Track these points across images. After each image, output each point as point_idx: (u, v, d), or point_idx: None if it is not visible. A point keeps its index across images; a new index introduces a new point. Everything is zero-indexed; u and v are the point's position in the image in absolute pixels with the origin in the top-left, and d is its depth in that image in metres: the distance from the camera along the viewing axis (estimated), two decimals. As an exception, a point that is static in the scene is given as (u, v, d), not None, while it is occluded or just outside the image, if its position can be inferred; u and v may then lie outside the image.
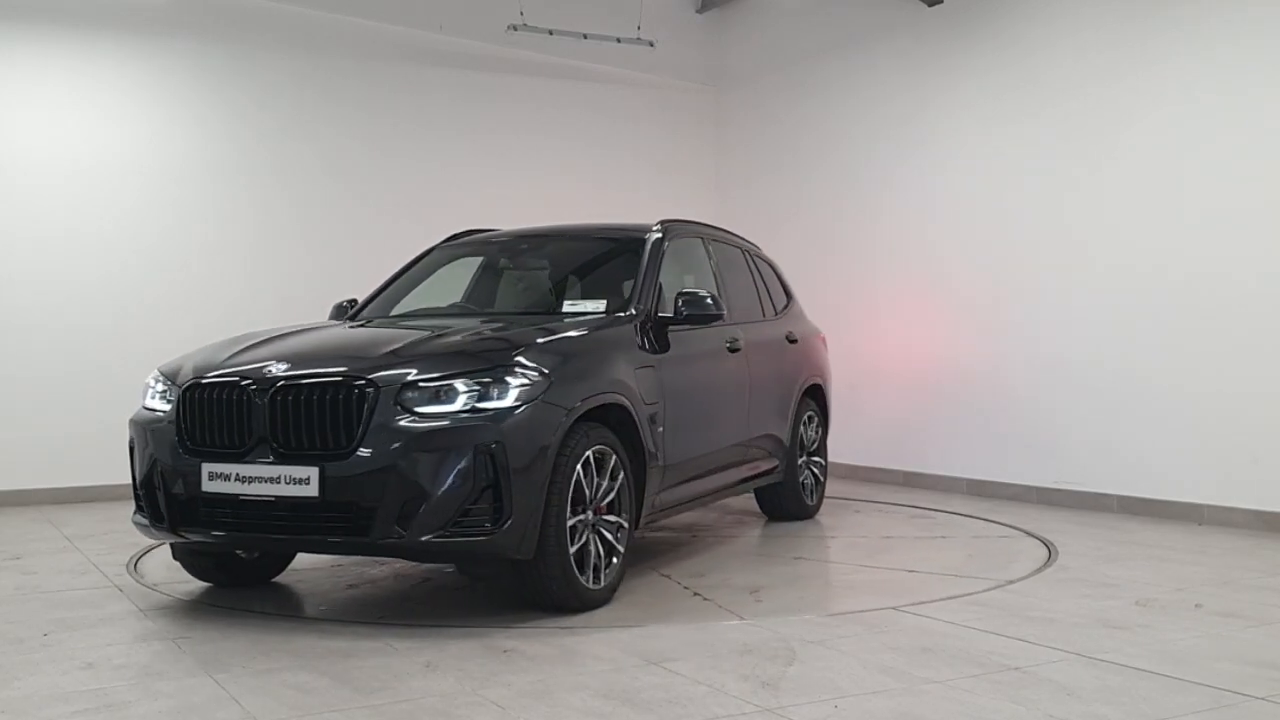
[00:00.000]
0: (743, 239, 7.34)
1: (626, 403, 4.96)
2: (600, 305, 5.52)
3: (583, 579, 4.65)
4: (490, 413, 4.37)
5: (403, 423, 4.33)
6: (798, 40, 10.10)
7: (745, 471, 6.42)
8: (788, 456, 6.93)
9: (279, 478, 4.38)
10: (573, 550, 4.57)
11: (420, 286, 6.39)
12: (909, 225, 9.00)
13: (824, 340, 7.76)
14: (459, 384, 4.42)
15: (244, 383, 4.57)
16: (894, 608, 4.78)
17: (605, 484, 4.81)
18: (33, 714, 3.46)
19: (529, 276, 6.43)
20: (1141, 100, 7.34)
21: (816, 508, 7.39)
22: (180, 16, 8.75)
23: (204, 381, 4.68)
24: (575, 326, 5.12)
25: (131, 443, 4.98)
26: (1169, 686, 3.66)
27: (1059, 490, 7.82)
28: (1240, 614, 4.65)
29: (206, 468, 4.51)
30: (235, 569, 5.33)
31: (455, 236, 6.79)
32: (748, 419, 6.32)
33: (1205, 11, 7.01)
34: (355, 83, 9.37)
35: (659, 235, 5.99)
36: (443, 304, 6.20)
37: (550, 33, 9.45)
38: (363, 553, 4.72)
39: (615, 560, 4.88)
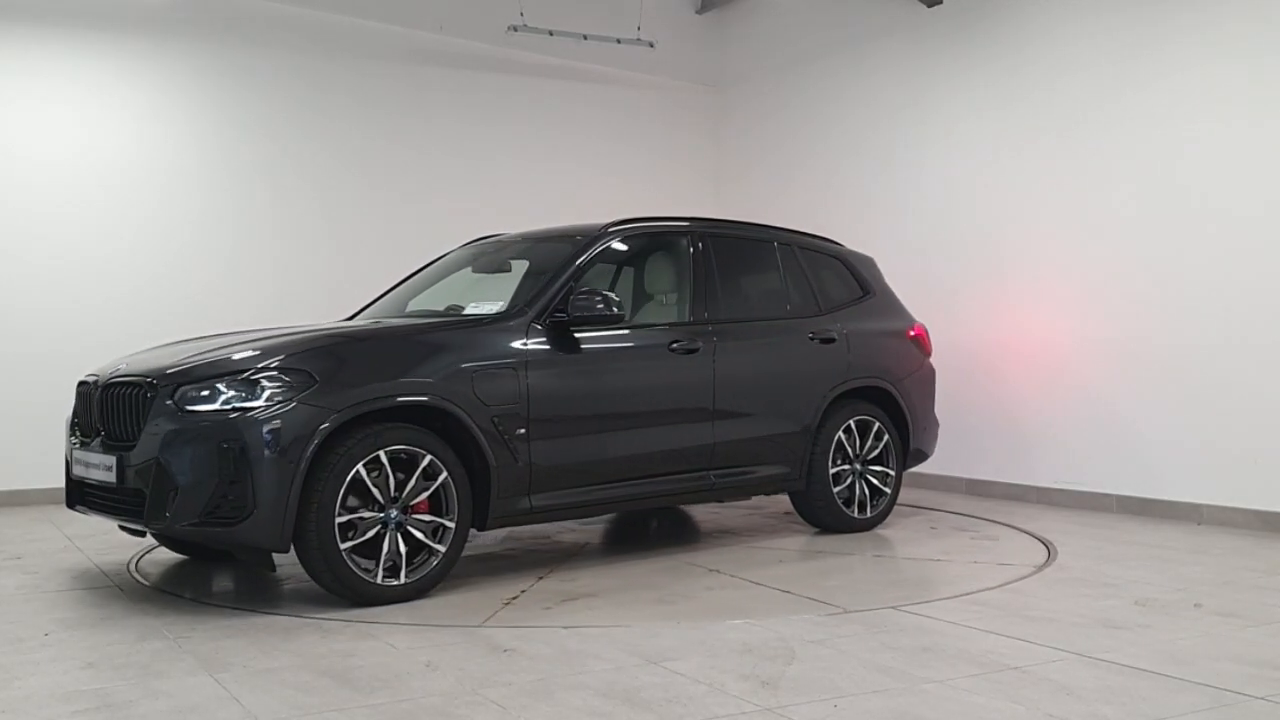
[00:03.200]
0: (789, 232, 7.02)
1: (447, 404, 5.00)
2: (497, 306, 5.62)
3: (366, 574, 4.80)
4: (240, 412, 4.68)
5: (170, 419, 4.76)
6: (797, 40, 10.11)
7: (716, 477, 6.09)
8: (812, 463, 6.48)
9: (99, 465, 5.03)
10: (346, 546, 4.73)
11: (434, 287, 6.44)
12: (906, 224, 9.00)
13: (915, 337, 7.19)
14: (221, 385, 4.77)
15: (92, 380, 5.32)
16: (894, 607, 4.78)
17: (417, 484, 4.92)
18: (33, 713, 3.46)
19: (497, 278, 6.44)
20: (1143, 97, 7.35)
21: (873, 521, 6.75)
22: (179, 18, 8.75)
23: (82, 379, 5.49)
24: (416, 329, 5.34)
25: None
26: (1169, 686, 3.66)
27: (1059, 490, 7.82)
28: (1240, 614, 4.66)
29: (75, 454, 5.30)
30: (193, 543, 5.79)
31: (488, 239, 6.90)
32: (713, 422, 6.03)
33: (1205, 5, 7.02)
34: (355, 83, 9.37)
35: (593, 237, 5.94)
36: (440, 306, 6.21)
37: (550, 33, 9.46)
38: (150, 532, 5.05)
39: (430, 559, 4.97)
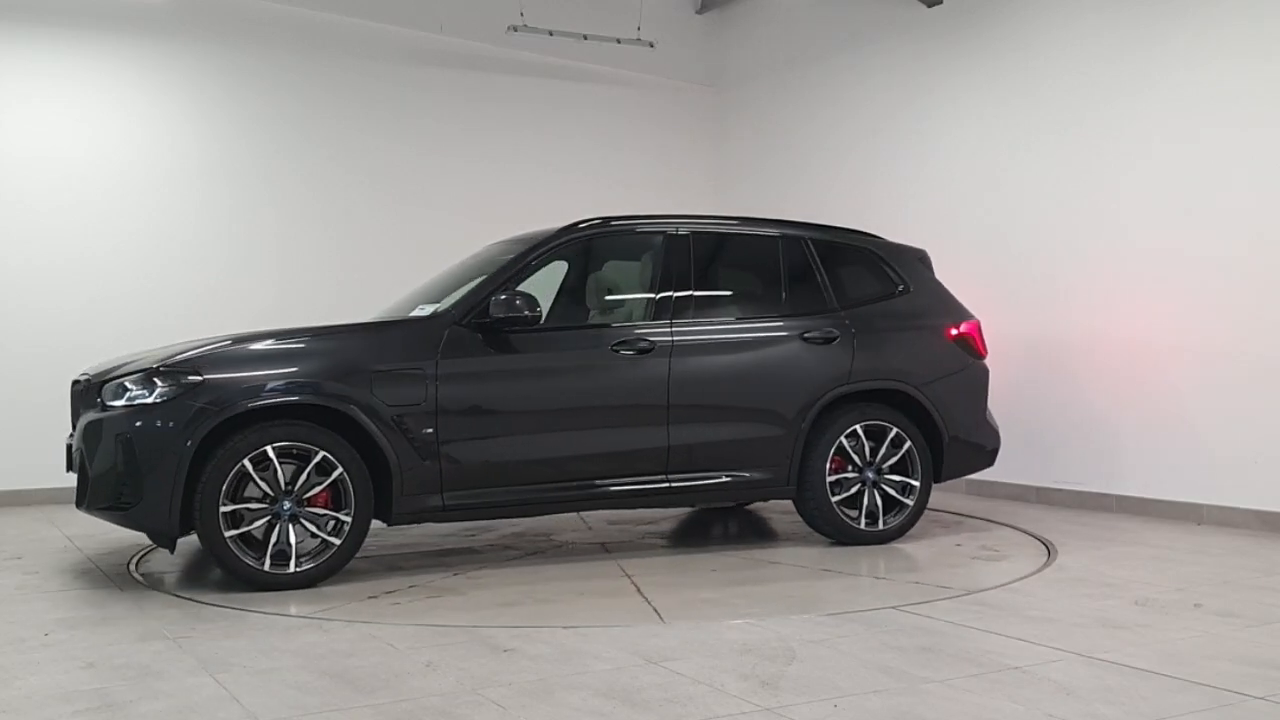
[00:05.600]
0: (804, 226, 6.68)
1: (332, 403, 5.19)
2: (433, 309, 5.75)
3: (255, 562, 5.10)
4: (134, 408, 5.08)
5: (92, 414, 5.24)
6: (797, 40, 10.11)
7: (675, 481, 5.88)
8: (805, 469, 6.11)
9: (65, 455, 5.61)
10: (233, 534, 5.05)
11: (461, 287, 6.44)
12: (907, 224, 8.98)
13: (960, 337, 6.61)
14: (128, 382, 5.16)
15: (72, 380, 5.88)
16: (894, 607, 4.78)
17: (310, 478, 5.16)
18: (34, 713, 3.46)
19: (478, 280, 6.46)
20: (1144, 97, 7.34)
21: (889, 533, 6.25)
22: (179, 18, 8.76)
23: None
24: (316, 332, 5.55)
25: None
26: (1169, 686, 3.66)
27: (1059, 490, 7.82)
28: (1240, 614, 4.66)
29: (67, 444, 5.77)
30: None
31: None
32: (668, 425, 5.82)
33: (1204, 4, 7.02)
34: (355, 83, 9.38)
35: (539, 240, 5.94)
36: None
37: (550, 33, 9.46)
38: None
39: (327, 550, 5.21)
